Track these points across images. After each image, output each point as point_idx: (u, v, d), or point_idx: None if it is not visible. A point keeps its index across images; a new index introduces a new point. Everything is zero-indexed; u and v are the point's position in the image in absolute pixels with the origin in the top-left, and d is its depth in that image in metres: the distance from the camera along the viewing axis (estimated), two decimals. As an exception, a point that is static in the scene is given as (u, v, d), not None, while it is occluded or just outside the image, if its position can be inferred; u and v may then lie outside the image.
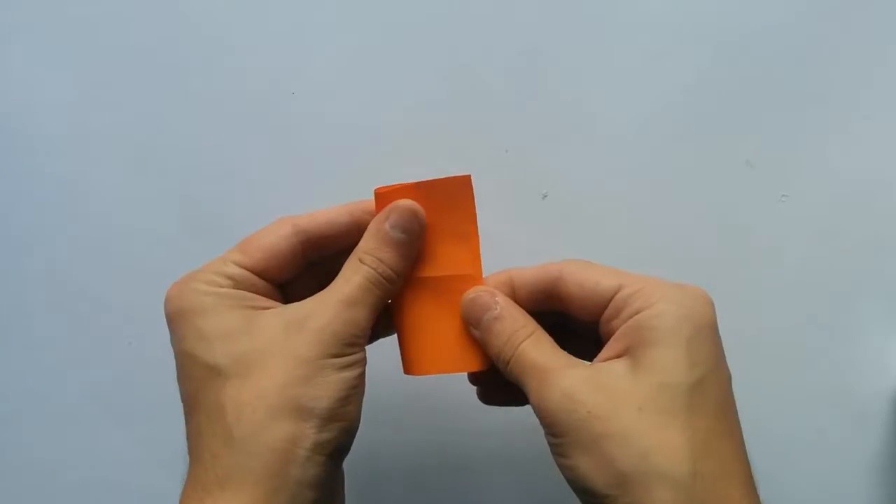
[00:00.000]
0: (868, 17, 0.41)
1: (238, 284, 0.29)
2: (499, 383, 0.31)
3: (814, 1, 0.41)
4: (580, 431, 0.25)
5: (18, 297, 0.44)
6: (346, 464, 0.30)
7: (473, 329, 0.30)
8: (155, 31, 0.43)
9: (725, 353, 0.28)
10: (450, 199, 0.31)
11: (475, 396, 0.34)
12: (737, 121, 0.42)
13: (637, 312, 0.27)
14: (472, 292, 0.30)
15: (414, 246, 0.30)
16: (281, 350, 0.27)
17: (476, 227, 0.31)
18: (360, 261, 0.29)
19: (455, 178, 0.30)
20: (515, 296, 0.30)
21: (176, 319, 0.28)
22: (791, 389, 0.42)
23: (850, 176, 0.42)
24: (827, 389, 0.41)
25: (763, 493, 0.26)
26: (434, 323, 0.31)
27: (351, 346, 0.28)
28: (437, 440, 0.42)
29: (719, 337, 0.27)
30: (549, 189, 0.42)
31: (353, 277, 0.29)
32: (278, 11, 0.42)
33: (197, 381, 0.27)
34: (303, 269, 0.31)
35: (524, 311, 0.30)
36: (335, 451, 0.27)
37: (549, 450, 0.27)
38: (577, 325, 0.30)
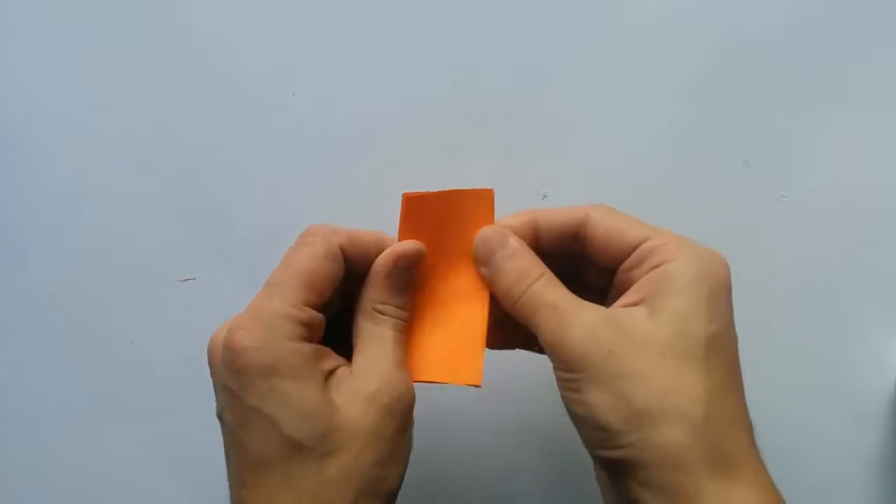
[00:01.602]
0: (868, 18, 0.41)
1: (312, 333, 0.28)
2: (508, 328, 0.32)
3: (813, 1, 0.41)
4: (599, 369, 0.26)
5: (18, 297, 0.44)
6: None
7: (483, 267, 0.31)
8: (155, 31, 0.43)
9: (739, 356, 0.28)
10: (470, 210, 0.31)
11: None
12: (736, 121, 0.42)
13: (660, 264, 0.27)
14: (485, 230, 0.31)
15: (413, 277, 0.31)
16: (362, 430, 0.27)
17: None
18: (379, 312, 0.30)
19: (478, 190, 0.31)
20: (540, 236, 0.31)
21: (257, 376, 0.27)
22: (790, 388, 0.42)
23: (849, 176, 0.42)
24: (826, 389, 0.42)
25: (763, 492, 0.26)
26: (435, 330, 0.32)
27: (413, 404, 0.29)
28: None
29: (732, 301, 0.28)
30: (549, 189, 0.42)
31: (385, 333, 0.30)
32: (279, 12, 0.43)
33: (273, 446, 0.27)
34: None
35: (534, 255, 0.30)
36: None
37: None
38: (592, 271, 0.31)
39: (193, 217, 0.43)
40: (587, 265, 0.31)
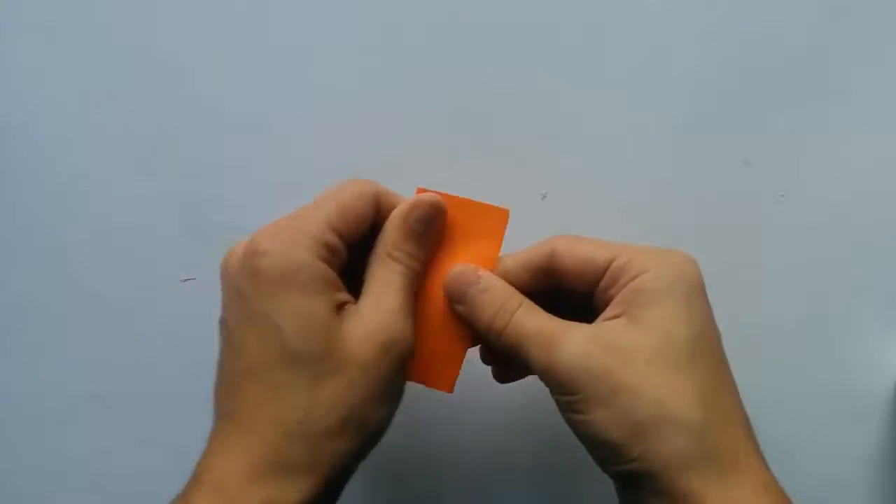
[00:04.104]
0: (868, 18, 0.41)
1: (333, 258, 0.28)
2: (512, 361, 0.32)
3: (813, 1, 0.41)
4: (595, 387, 0.26)
5: (18, 296, 0.44)
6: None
7: (458, 305, 0.31)
8: (156, 31, 0.43)
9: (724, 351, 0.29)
10: (481, 225, 0.31)
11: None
12: (736, 121, 0.42)
13: (634, 278, 0.28)
14: (454, 269, 0.31)
15: (436, 239, 0.31)
16: (357, 362, 0.27)
17: (496, 264, 0.31)
18: (392, 258, 0.30)
19: (493, 207, 0.31)
20: (510, 279, 0.31)
21: (272, 281, 0.27)
22: (789, 388, 0.42)
23: (849, 175, 0.42)
24: (825, 388, 0.42)
25: (763, 491, 0.26)
26: (423, 331, 0.31)
27: (410, 352, 0.29)
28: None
29: (707, 298, 0.29)
30: (549, 189, 0.42)
31: (393, 279, 0.30)
32: (279, 12, 0.43)
33: (270, 355, 0.27)
34: None
35: (508, 284, 0.30)
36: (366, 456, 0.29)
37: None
38: (569, 298, 0.31)
39: (193, 217, 0.43)
40: (564, 293, 0.31)
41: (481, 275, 0.30)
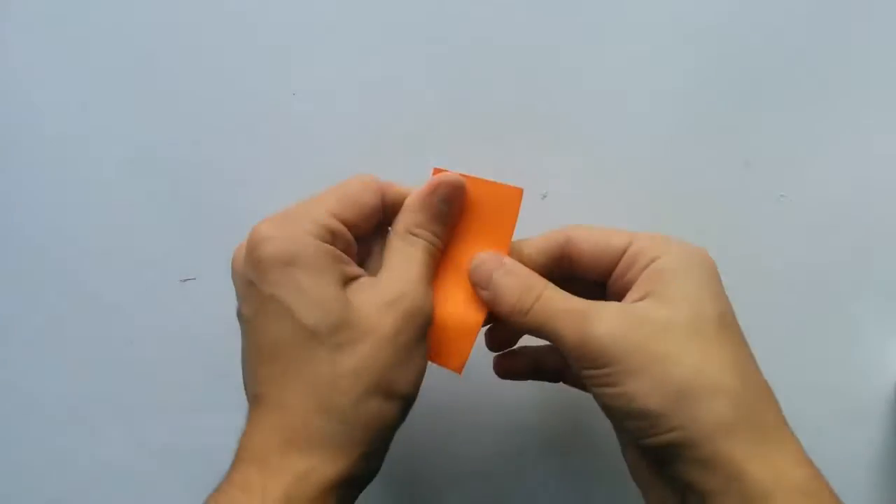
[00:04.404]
0: (868, 18, 0.41)
1: (335, 241, 0.29)
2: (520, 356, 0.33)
3: (813, 1, 0.41)
4: (631, 358, 0.26)
5: (18, 296, 0.44)
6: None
7: (483, 290, 0.31)
8: (155, 31, 0.43)
9: None
10: (495, 204, 0.31)
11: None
12: (736, 121, 0.42)
13: (653, 261, 0.29)
14: (477, 257, 0.31)
15: (456, 219, 0.32)
16: (377, 330, 0.27)
17: (509, 243, 0.32)
18: (413, 234, 0.30)
19: (506, 186, 0.31)
20: (526, 264, 0.31)
21: (275, 264, 0.27)
22: (790, 388, 0.41)
23: (849, 175, 0.42)
24: (826, 389, 0.42)
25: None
26: (438, 312, 0.32)
27: (430, 320, 0.30)
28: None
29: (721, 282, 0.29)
30: (549, 189, 0.42)
31: (415, 253, 0.30)
32: (279, 12, 0.43)
33: (286, 334, 0.27)
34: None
35: (532, 270, 0.31)
36: (399, 426, 0.29)
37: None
38: (581, 287, 0.31)
39: (193, 217, 0.43)
40: (576, 282, 0.32)
41: (504, 260, 0.31)
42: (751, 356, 0.28)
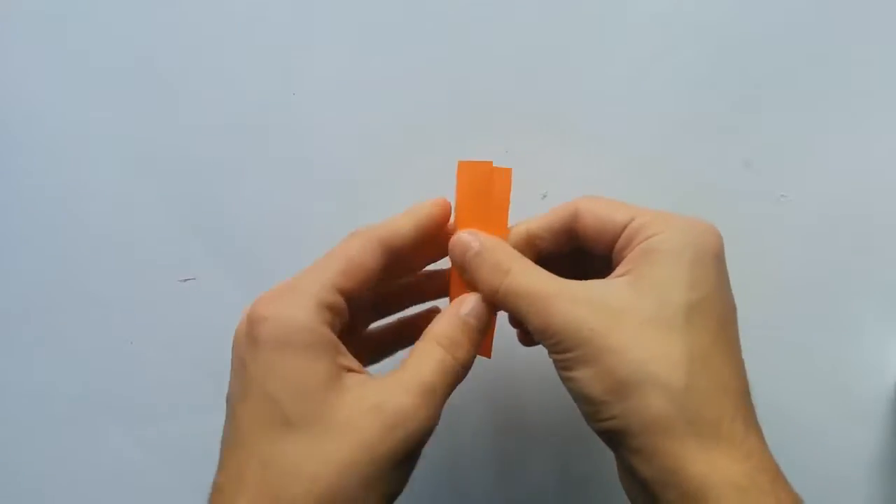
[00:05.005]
0: (868, 17, 0.41)
1: (335, 319, 0.28)
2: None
3: (814, 1, 0.41)
4: (584, 347, 0.27)
5: (18, 296, 0.44)
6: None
7: (462, 272, 0.31)
8: (155, 31, 0.43)
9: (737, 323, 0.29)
10: (489, 188, 0.32)
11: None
12: (736, 121, 0.42)
13: (646, 239, 0.28)
14: (454, 237, 0.31)
15: (484, 333, 0.31)
16: (351, 429, 0.26)
17: (506, 224, 0.32)
18: (438, 343, 0.29)
19: (498, 169, 0.32)
20: (537, 244, 0.32)
21: (269, 346, 0.26)
22: (790, 388, 0.42)
23: (849, 176, 0.42)
24: (826, 389, 0.42)
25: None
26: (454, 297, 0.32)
27: (423, 440, 0.27)
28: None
29: (725, 267, 0.29)
30: (549, 189, 0.42)
31: (430, 362, 0.28)
32: (279, 12, 0.43)
33: (262, 420, 0.26)
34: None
35: (507, 245, 0.31)
36: None
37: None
38: (591, 261, 0.32)
39: (193, 217, 0.43)
40: (587, 256, 0.32)
41: (479, 238, 0.31)
42: (719, 348, 0.27)
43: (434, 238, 0.32)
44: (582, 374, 0.27)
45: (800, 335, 0.42)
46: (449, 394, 0.29)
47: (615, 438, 0.27)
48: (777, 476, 0.26)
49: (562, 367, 0.28)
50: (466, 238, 0.31)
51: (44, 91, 0.43)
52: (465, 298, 0.31)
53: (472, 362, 0.30)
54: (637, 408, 0.26)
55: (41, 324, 0.43)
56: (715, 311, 0.28)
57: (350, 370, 0.27)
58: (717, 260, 0.28)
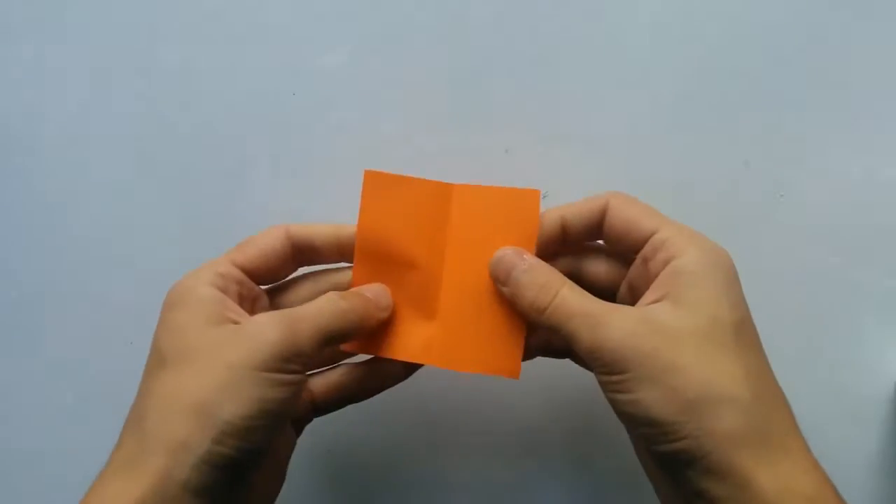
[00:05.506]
0: (868, 17, 0.41)
1: (226, 281, 0.30)
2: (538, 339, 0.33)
3: (814, 1, 0.41)
4: (644, 367, 0.26)
5: (19, 296, 0.44)
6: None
7: (502, 286, 0.31)
8: (155, 31, 0.43)
9: None
10: (514, 210, 0.32)
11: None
12: (736, 121, 0.42)
13: (671, 258, 0.29)
14: (498, 253, 0.32)
15: (369, 314, 0.32)
16: (212, 351, 0.27)
17: (535, 244, 0.32)
18: (327, 296, 0.31)
19: (523, 191, 0.32)
20: (567, 231, 0.32)
21: (163, 310, 0.30)
22: (790, 389, 0.41)
23: (849, 176, 0.42)
24: (827, 389, 0.41)
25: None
26: (470, 322, 0.32)
27: (287, 361, 0.28)
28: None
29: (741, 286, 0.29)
30: (549, 189, 0.42)
31: (319, 301, 0.30)
32: (279, 11, 0.43)
33: (148, 368, 0.29)
34: (292, 273, 0.34)
35: (553, 268, 0.31)
36: (229, 466, 0.27)
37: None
38: (598, 270, 0.33)
39: (193, 217, 0.43)
40: (590, 265, 0.33)
41: (525, 257, 0.31)
42: (765, 364, 0.28)
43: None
44: (646, 396, 0.26)
45: (799, 335, 0.42)
46: (330, 334, 0.29)
47: (684, 460, 0.26)
48: (835, 488, 0.26)
49: (617, 389, 0.27)
50: (513, 255, 0.31)
51: (43, 90, 0.43)
52: (375, 289, 0.32)
53: (362, 329, 0.31)
54: (711, 425, 0.25)
55: (41, 324, 0.43)
56: (753, 331, 0.28)
57: (235, 322, 0.29)
58: (738, 280, 0.29)
